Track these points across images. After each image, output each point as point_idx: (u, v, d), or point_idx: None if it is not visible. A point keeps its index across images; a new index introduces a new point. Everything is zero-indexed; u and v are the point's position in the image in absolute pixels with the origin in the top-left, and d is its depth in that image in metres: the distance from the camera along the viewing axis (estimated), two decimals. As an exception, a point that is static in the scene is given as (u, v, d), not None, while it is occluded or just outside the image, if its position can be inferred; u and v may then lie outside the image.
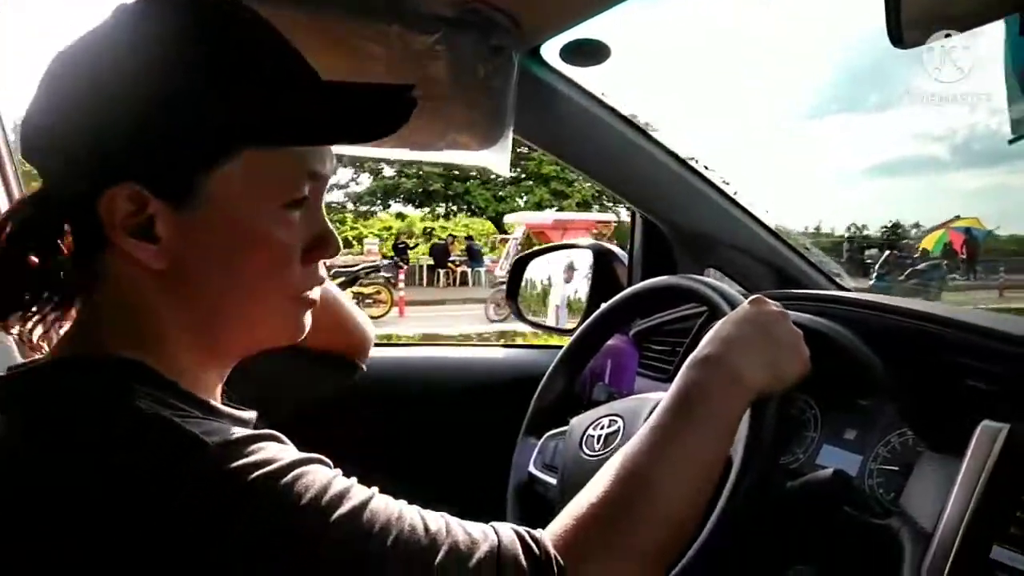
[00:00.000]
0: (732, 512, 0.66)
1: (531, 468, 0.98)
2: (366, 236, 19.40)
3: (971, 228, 16.69)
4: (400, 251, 15.80)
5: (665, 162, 1.20)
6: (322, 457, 0.52)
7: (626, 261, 1.42)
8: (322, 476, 0.49)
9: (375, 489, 0.52)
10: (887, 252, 14.50)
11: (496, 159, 1.00)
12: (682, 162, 1.21)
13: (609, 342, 1.18)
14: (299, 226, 0.57)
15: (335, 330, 0.81)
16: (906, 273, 12.42)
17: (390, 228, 20.90)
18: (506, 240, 15.95)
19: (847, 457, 0.92)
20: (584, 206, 21.17)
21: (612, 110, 1.14)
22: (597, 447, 0.85)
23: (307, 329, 0.62)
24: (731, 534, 0.66)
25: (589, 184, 19.54)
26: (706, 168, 1.23)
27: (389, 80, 1.00)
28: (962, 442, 0.73)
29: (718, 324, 0.72)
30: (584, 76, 1.13)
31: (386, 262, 13.76)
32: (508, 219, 18.18)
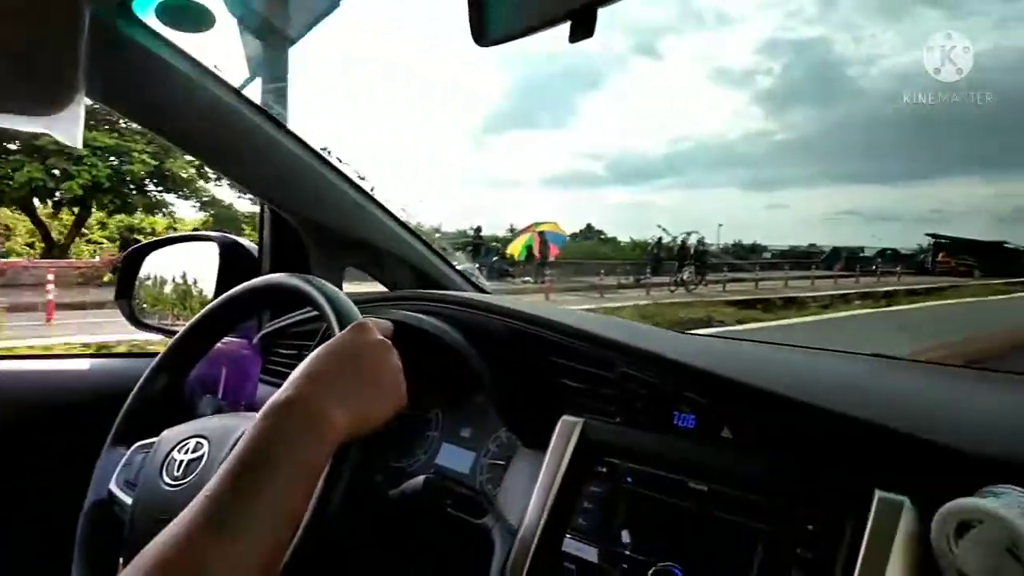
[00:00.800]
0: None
1: (111, 485, 0.83)
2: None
3: (547, 232, 18.78)
4: None
5: (292, 150, 1.09)
6: None
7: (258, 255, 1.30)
8: None
9: None
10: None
11: (63, 127, 0.80)
12: (313, 152, 1.12)
13: (227, 348, 1.06)
14: None
15: None
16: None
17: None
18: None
19: (463, 455, 0.93)
20: (96, 189, 15.26)
21: (229, 87, 1.00)
22: (177, 474, 0.73)
23: None
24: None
25: (104, 164, 14.91)
26: (340, 160, 1.16)
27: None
28: (549, 438, 0.76)
29: (309, 357, 0.63)
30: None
31: None
32: None
